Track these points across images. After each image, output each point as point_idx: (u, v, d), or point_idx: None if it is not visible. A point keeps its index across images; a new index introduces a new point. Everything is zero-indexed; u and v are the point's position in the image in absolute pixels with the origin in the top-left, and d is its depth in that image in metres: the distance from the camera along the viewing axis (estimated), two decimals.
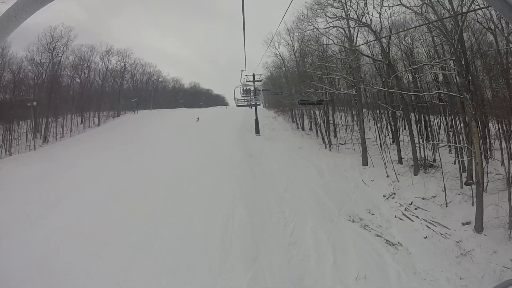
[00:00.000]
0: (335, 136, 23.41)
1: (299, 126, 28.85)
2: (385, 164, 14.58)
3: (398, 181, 13.89)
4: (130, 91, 46.55)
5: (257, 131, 26.23)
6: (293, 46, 31.39)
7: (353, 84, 15.28)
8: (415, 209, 11.40)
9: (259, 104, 26.64)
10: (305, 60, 28.12)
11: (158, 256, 8.63)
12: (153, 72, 54.83)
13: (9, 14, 0.81)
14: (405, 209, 11.37)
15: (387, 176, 14.36)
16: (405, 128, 16.60)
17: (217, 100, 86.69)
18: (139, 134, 26.50)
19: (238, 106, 21.06)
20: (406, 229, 10.46)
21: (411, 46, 15.41)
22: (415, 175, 14.31)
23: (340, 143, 21.47)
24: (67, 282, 7.72)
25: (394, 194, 12.72)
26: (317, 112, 25.64)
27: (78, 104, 34.27)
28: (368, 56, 15.63)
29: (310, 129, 27.61)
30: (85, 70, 37.80)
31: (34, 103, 26.06)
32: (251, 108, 50.08)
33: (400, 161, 15.71)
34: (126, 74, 43.89)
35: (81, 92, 36.64)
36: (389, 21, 15.78)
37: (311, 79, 19.55)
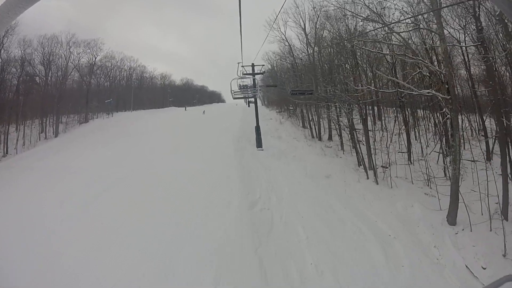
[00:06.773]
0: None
1: (315, 134, 21.68)
2: (506, 233, 7.50)
3: None
4: (106, 90, 39.34)
5: (259, 145, 19.15)
6: (305, 27, 24.27)
7: (442, 80, 8.10)
8: None
9: (257, 96, 22.31)
10: (322, 43, 21.03)
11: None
12: (135, 67, 47.49)
13: (1, 10, 0.81)
14: None
15: (504, 255, 7.35)
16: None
17: (213, 97, 79.51)
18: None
19: (234, 98, 20.51)
20: None
21: None
22: None
23: (383, 166, 14.41)
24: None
25: None
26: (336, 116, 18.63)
27: (31, 109, 27.14)
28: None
29: (330, 138, 20.53)
30: (44, 66, 30.72)
31: None
32: (248, 106, 43.09)
33: (505, 215, 8.65)
34: (98, 69, 36.62)
35: (39, 94, 29.53)
36: None
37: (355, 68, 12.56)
